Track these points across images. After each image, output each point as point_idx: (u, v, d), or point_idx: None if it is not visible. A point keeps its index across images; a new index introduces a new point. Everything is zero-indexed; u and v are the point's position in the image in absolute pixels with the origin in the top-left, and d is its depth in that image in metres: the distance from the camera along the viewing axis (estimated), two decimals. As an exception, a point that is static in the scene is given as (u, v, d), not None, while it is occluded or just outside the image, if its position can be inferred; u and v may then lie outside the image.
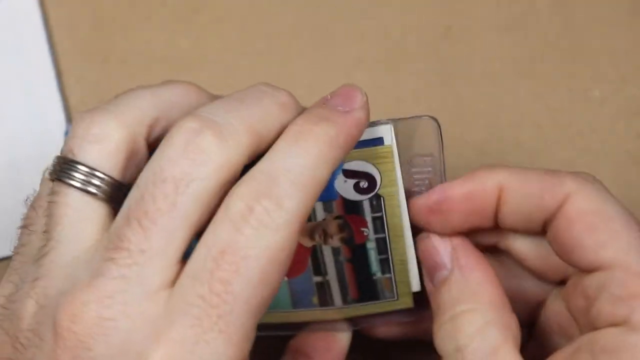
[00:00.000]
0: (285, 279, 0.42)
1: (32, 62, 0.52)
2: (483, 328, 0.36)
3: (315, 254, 0.42)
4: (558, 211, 0.38)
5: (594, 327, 0.36)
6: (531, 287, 0.41)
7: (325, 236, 0.41)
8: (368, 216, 0.41)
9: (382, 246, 0.41)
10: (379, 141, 0.39)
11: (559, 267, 0.39)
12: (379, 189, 0.40)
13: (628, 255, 0.36)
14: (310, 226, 0.41)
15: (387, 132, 0.39)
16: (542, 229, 0.39)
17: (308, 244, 0.42)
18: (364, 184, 0.40)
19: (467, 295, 0.38)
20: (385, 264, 0.42)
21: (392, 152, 0.39)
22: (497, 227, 0.40)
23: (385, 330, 0.44)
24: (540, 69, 0.52)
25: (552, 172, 0.39)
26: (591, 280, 0.37)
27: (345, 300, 0.42)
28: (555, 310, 0.40)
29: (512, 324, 0.37)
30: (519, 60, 0.52)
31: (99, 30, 0.52)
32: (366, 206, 0.40)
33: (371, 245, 0.41)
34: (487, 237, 0.41)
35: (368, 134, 0.39)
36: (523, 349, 0.36)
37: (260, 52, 0.52)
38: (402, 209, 0.40)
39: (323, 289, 0.42)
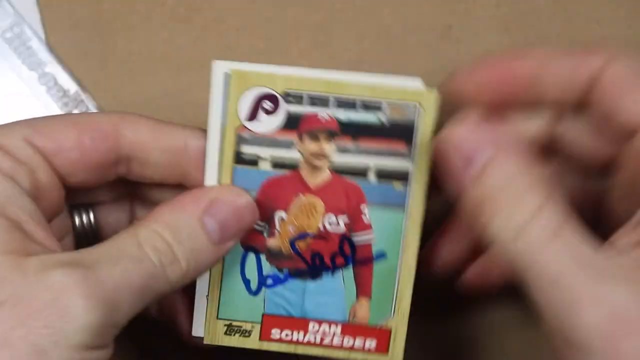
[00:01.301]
0: None
1: (32, 62, 0.52)
2: (543, 206, 0.36)
3: None
4: (597, 80, 0.38)
5: None
6: (587, 186, 0.42)
7: None
8: None
9: None
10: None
11: (606, 145, 0.40)
12: None
13: None
14: None
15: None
16: (580, 105, 0.39)
17: None
18: None
19: (514, 177, 0.37)
20: None
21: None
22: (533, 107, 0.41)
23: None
24: (540, 69, 0.52)
25: (585, 49, 0.40)
26: None
27: None
28: (617, 197, 0.40)
29: (563, 199, 0.36)
30: (519, 60, 0.52)
31: (99, 30, 0.52)
32: None
33: None
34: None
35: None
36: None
37: (260, 52, 0.52)
38: None
39: None
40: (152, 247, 0.37)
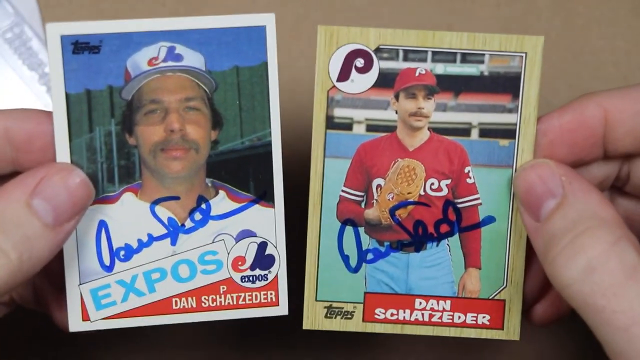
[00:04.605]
0: None
1: (32, 62, 0.51)
2: (617, 243, 0.33)
3: None
4: None
5: None
6: None
7: None
8: None
9: None
10: None
11: None
12: None
13: None
14: None
15: None
16: None
17: None
18: None
19: (587, 215, 0.34)
20: None
21: None
22: (607, 158, 0.38)
23: None
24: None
25: None
26: None
27: None
28: None
29: (637, 242, 0.33)
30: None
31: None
32: None
33: None
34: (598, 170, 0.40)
35: None
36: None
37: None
38: None
39: None
40: None
